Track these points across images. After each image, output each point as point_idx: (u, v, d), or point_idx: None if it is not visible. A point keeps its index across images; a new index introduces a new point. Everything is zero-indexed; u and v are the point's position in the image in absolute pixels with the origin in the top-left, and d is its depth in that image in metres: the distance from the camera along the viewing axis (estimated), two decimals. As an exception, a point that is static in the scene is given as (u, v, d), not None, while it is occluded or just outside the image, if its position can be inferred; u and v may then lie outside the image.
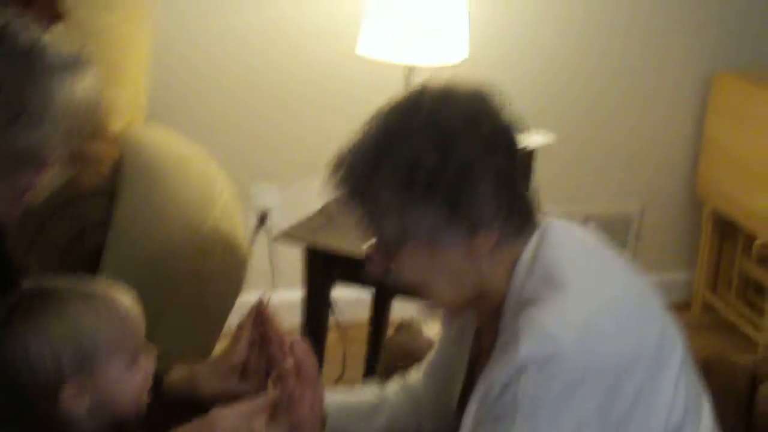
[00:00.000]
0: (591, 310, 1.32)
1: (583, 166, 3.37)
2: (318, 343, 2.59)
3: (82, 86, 1.32)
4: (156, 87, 2.74)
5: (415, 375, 1.69)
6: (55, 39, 1.31)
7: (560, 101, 3.26)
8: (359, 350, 2.85)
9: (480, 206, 1.34)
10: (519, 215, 1.39)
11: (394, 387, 1.69)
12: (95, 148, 2.24)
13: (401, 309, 2.71)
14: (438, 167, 1.33)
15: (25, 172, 1.33)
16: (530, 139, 2.14)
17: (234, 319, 2.07)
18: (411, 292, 1.43)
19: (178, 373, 1.57)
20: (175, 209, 2.04)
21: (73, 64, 1.32)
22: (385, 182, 1.35)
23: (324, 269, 2.48)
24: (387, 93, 2.73)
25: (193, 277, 1.98)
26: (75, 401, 1.34)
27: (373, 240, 1.40)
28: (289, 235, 2.51)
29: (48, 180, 1.37)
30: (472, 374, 1.51)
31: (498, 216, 1.36)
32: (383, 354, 1.94)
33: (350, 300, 2.90)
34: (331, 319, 2.91)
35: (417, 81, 2.63)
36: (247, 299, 2.99)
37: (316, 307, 2.54)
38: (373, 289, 2.67)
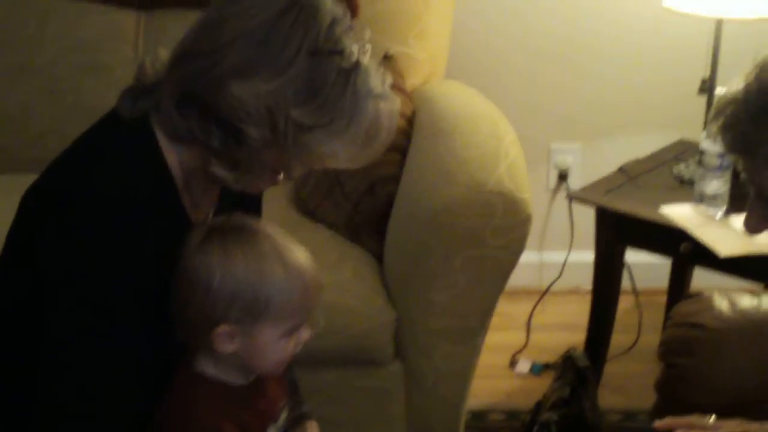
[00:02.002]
0: None
1: None
2: (609, 308, 2.53)
3: (385, 116, 1.36)
4: (458, 44, 2.75)
5: None
6: (374, 64, 1.37)
7: None
8: (656, 318, 2.74)
9: None
10: None
11: None
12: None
13: (703, 278, 2.59)
14: None
15: (298, 166, 1.40)
16: None
17: (513, 277, 2.09)
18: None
19: None
20: (460, 166, 2.03)
21: (383, 92, 1.36)
22: None
23: (616, 231, 2.42)
24: (694, 49, 2.67)
25: (474, 237, 1.96)
26: (223, 341, 1.38)
27: (753, 194, 1.35)
28: (583, 194, 2.47)
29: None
30: None
31: None
32: (667, 323, 1.84)
33: (649, 265, 2.80)
34: (628, 285, 2.83)
35: (726, 36, 2.50)
36: (540, 259, 3.04)
37: (607, 270, 2.48)
38: (673, 257, 2.55)
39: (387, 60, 2.43)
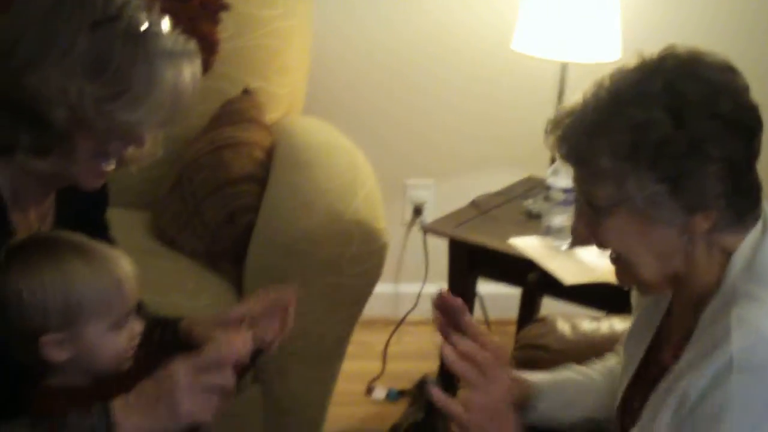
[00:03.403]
0: None
1: None
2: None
3: (186, 75, 1.39)
4: (318, 81, 2.82)
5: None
6: (168, 27, 1.38)
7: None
8: (506, 346, 2.83)
9: (705, 186, 1.26)
10: (743, 202, 1.31)
11: (599, 367, 1.64)
12: (249, 136, 2.33)
13: (552, 306, 2.71)
14: (669, 137, 1.25)
15: (115, 143, 1.41)
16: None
17: (370, 307, 2.15)
18: (613, 261, 1.38)
19: (185, 322, 1.61)
20: (318, 197, 2.09)
21: (181, 53, 1.38)
22: (608, 147, 1.28)
23: (468, 263, 2.50)
24: (541, 89, 2.80)
25: (332, 264, 2.02)
26: (54, 351, 1.38)
27: (582, 203, 1.37)
28: (437, 227, 2.55)
29: (135, 156, 1.45)
30: (649, 361, 1.46)
31: (721, 199, 1.28)
32: (515, 346, 1.93)
33: (500, 295, 2.90)
34: (480, 315, 2.93)
35: (570, 78, 2.64)
36: (396, 290, 3.12)
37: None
38: (521, 286, 2.66)
39: (247, 94, 2.48)
